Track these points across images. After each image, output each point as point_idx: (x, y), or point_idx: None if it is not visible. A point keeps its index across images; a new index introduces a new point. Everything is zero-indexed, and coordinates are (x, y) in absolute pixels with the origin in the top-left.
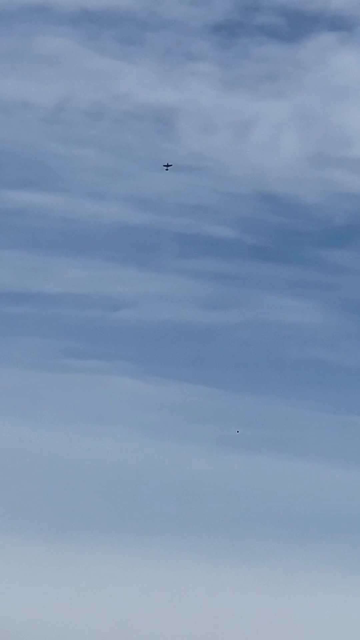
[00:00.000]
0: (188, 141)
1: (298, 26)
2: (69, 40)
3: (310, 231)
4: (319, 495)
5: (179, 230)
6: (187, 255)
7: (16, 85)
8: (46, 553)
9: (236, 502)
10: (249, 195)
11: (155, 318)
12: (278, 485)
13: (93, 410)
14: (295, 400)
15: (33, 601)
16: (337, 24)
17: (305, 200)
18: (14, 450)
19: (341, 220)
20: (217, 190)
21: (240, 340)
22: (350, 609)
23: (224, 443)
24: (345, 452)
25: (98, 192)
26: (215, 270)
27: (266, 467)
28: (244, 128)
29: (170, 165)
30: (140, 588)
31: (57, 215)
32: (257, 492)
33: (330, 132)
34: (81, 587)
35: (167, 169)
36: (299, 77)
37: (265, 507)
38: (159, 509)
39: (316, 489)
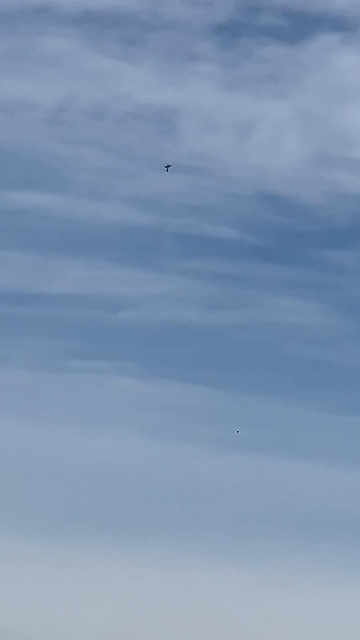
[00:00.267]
0: (190, 141)
1: (300, 27)
2: (70, 41)
3: (312, 232)
4: (321, 496)
5: (181, 231)
6: (189, 255)
7: (17, 85)
8: (46, 553)
9: (237, 503)
10: (251, 196)
11: (157, 318)
12: (279, 486)
13: (94, 411)
14: (296, 401)
15: (33, 601)
16: (340, 24)
17: (307, 201)
18: (15, 451)
19: (343, 220)
20: (219, 190)
21: (241, 340)
22: (351, 610)
23: (225, 443)
24: (346, 452)
25: (99, 192)
26: (216, 270)
27: (267, 468)
28: (246, 128)
29: (170, 166)
30: (140, 588)
31: (59, 216)
32: (258, 492)
33: (333, 132)
34: (81, 587)
35: (167, 170)
36: (301, 78)
37: (266, 507)
38: (160, 509)
39: (317, 490)
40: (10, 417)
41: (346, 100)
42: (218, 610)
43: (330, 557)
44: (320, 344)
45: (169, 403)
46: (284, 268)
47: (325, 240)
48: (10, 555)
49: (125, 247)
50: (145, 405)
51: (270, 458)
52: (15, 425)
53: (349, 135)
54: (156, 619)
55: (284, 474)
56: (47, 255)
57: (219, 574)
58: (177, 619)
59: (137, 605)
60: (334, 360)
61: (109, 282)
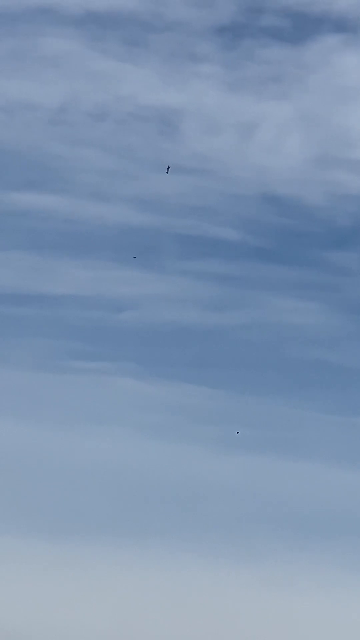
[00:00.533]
0: (191, 142)
1: (302, 28)
2: (72, 42)
3: (314, 233)
4: (322, 496)
5: (182, 232)
6: (190, 256)
7: (19, 86)
8: (47, 553)
9: (238, 503)
10: (253, 197)
11: (158, 319)
12: (280, 487)
13: (95, 411)
14: (297, 402)
15: (33, 602)
16: (342, 25)
17: (309, 202)
18: (17, 451)
19: (345, 221)
20: (221, 191)
21: (243, 341)
22: (352, 610)
23: (226, 444)
24: (347, 453)
25: (101, 193)
26: (218, 271)
27: (268, 468)
28: (248, 130)
29: (170, 167)
30: (141, 589)
31: (60, 217)
32: (259, 493)
33: (335, 133)
34: (82, 588)
35: (167, 172)
36: (303, 79)
37: (266, 508)
38: (160, 510)
39: (319, 490)
40: (12, 417)
41: (348, 102)
42: (218, 610)
43: (331, 558)
44: (321, 345)
45: (171, 404)
46: (285, 269)
47: (327, 241)
48: (11, 555)
49: (126, 248)
50: (147, 406)
51: (271, 458)
52: (17, 425)
53: (352, 136)
54: (157, 619)
55: (285, 475)
56: (49, 256)
57: (219, 575)
58: (177, 619)
59: (137, 606)
60: (336, 361)
61: (110, 283)
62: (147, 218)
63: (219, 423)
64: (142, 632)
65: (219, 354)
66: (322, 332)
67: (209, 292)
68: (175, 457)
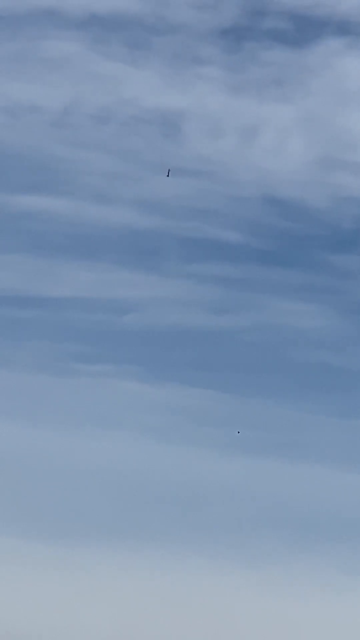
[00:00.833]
0: (195, 145)
1: (305, 31)
2: (76, 44)
3: (318, 235)
4: (325, 500)
5: (186, 234)
6: (194, 259)
7: (23, 88)
8: (50, 556)
9: (241, 506)
10: (256, 199)
11: (162, 322)
12: (283, 490)
13: (99, 414)
14: (301, 404)
15: (35, 604)
16: (345, 29)
17: (312, 205)
18: (20, 454)
19: (349, 224)
20: (224, 194)
21: (246, 344)
22: (355, 614)
23: (230, 447)
24: (351, 456)
25: (104, 195)
26: (222, 274)
27: (272, 472)
28: (251, 132)
29: (170, 171)
30: (143, 592)
31: (64, 219)
32: (263, 496)
33: (338, 136)
34: (83, 590)
35: (168, 175)
36: (306, 82)
37: (270, 511)
38: (163, 513)
39: (322, 494)
40: (14, 419)
41: (351, 104)
42: (220, 613)
43: (333, 561)
44: (325, 348)
45: (174, 406)
46: (289, 272)
47: (330, 244)
48: (15, 557)
49: (130, 251)
50: (150, 409)
51: (275, 461)
52: (19, 428)
53: (354, 138)
54: (158, 622)
55: (288, 478)
56: (52, 258)
57: (221, 577)
58: (178, 621)
59: (138, 608)
60: (340, 364)
61: (114, 286)
62: (150, 220)
63: (222, 426)
64: (142, 634)
65: (222, 356)
66: (325, 335)
67: (212, 294)
68: (178, 460)
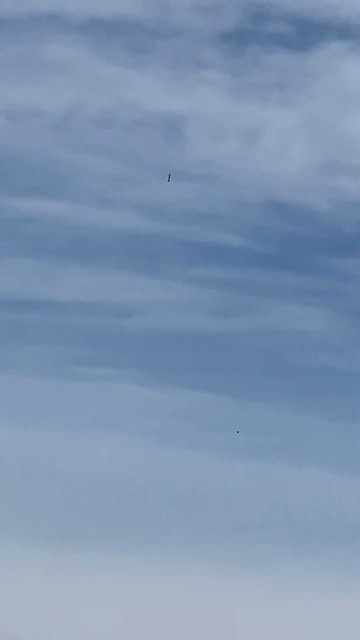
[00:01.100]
0: (197, 149)
1: (308, 35)
2: (77, 48)
3: (320, 239)
4: (327, 503)
5: (188, 238)
6: (196, 263)
7: (25, 92)
8: (52, 560)
9: (244, 510)
10: (258, 203)
11: (164, 326)
12: (285, 493)
13: (100, 418)
14: (303, 408)
15: (35, 607)
16: (347, 32)
17: (314, 208)
18: (21, 457)
19: (351, 228)
20: (226, 197)
21: (248, 347)
22: (356, 617)
23: (231, 450)
24: (352, 459)
25: (107, 199)
26: (224, 278)
27: (274, 475)
28: (253, 136)
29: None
30: (144, 595)
31: (66, 223)
32: (265, 499)
33: (340, 140)
34: (85, 594)
35: (168, 180)
36: (308, 86)
37: (272, 514)
38: (165, 516)
39: (324, 497)
40: (16, 423)
41: (353, 108)
42: (221, 617)
43: (334, 564)
44: (327, 352)
45: (175, 410)
46: (291, 275)
47: (332, 247)
48: (16, 561)
49: (132, 254)
50: (152, 413)
51: (276, 465)
52: (21, 431)
53: (356, 142)
54: (158, 625)
55: (290, 481)
56: (53, 262)
57: (222, 581)
58: (179, 625)
59: (139, 612)
60: (342, 367)
61: (115, 289)
62: (152, 224)
63: (224, 429)
64: (143, 637)
65: (224, 360)
66: (327, 339)
67: (214, 298)
68: (179, 464)
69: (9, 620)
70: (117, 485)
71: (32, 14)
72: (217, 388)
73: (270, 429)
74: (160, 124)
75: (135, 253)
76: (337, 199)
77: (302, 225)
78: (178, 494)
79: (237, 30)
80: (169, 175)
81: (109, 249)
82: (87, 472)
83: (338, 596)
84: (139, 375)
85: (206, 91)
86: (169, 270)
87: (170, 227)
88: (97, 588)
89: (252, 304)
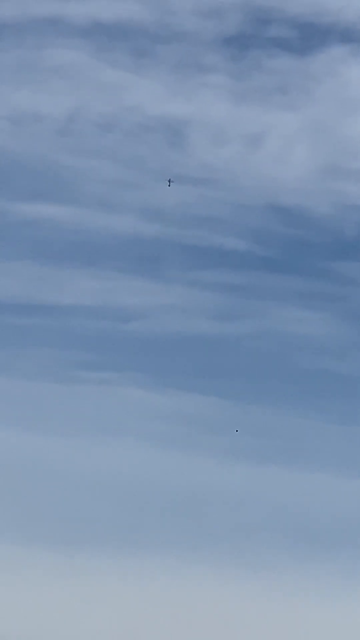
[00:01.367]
0: (199, 153)
1: (310, 39)
2: (80, 52)
3: (321, 243)
4: (329, 507)
5: (190, 242)
6: (198, 266)
7: (27, 97)
8: (54, 563)
9: (244, 513)
10: (260, 207)
11: (166, 329)
12: (286, 496)
13: (103, 421)
14: (304, 412)
15: (36, 611)
16: (349, 36)
17: (316, 212)
18: (24, 461)
19: (352, 232)
20: (228, 202)
21: (250, 351)
22: (357, 620)
23: (233, 454)
24: (353, 463)
25: (109, 203)
26: (225, 281)
27: (274, 478)
28: (255, 140)
29: (172, 181)
30: (145, 598)
31: (68, 227)
32: (266, 503)
33: (342, 144)
34: (85, 597)
35: (169, 185)
36: (310, 90)
37: (272, 517)
38: (166, 519)
39: (324, 500)
40: (18, 427)
41: (355, 112)
42: (222, 620)
43: (335, 567)
44: (328, 355)
45: (177, 413)
46: (292, 279)
47: (334, 251)
48: (18, 564)
49: (134, 258)
50: (153, 416)
51: (277, 468)
52: (24, 435)
53: (358, 146)
54: (159, 629)
55: (291, 484)
56: (56, 266)
57: (223, 584)
58: (180, 628)
59: (140, 615)
60: (343, 371)
61: (118, 293)
62: (154, 228)
63: (225, 433)
64: None
65: (226, 363)
66: (328, 342)
67: (216, 302)
68: (181, 467)
69: (10, 623)
70: (119, 488)
71: (34, 18)
72: (218, 391)
73: (272, 432)
74: (162, 128)
75: (137, 257)
76: (339, 203)
77: (304, 229)
78: (179, 497)
79: (239, 34)
80: (169, 180)
81: (111, 252)
82: (88, 475)
83: (338, 599)
84: (140, 379)
85: (208, 95)
86: (171, 273)
87: (172, 230)
88: (99, 591)
89: (253, 307)
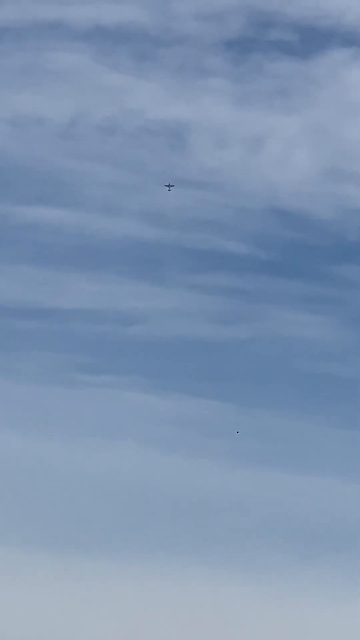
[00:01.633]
0: (201, 156)
1: (311, 42)
2: (82, 56)
3: (323, 246)
4: (330, 510)
5: (192, 246)
6: (200, 270)
7: (30, 100)
8: (56, 566)
9: (245, 516)
10: (262, 211)
11: (167, 333)
12: (287, 499)
13: (105, 425)
14: (306, 415)
15: (37, 613)
16: (350, 40)
17: (317, 216)
18: (25, 464)
19: (353, 235)
20: (230, 205)
21: (251, 354)
22: (356, 622)
23: (234, 457)
24: (354, 466)
25: (110, 207)
26: (227, 285)
27: (277, 482)
28: (257, 143)
29: (173, 186)
30: (145, 601)
31: (70, 231)
32: (267, 506)
33: (343, 147)
34: (86, 600)
35: (169, 190)
36: (311, 93)
37: (273, 520)
38: (167, 523)
39: (325, 504)
40: (20, 430)
41: (357, 115)
42: (223, 622)
43: (336, 571)
44: (329, 358)
45: (179, 416)
46: (294, 282)
47: (335, 254)
48: (19, 566)
49: (135, 262)
50: (155, 419)
51: (279, 472)
52: (24, 438)
53: None
54: (160, 631)
55: (292, 488)
56: (57, 270)
57: (224, 587)
58: (181, 631)
59: (141, 618)
60: (344, 374)
61: (119, 297)
62: (156, 232)
63: (226, 436)
64: None
65: (227, 367)
66: (329, 346)
67: (218, 305)
68: (182, 470)
69: (12, 624)
70: (120, 491)
71: (36, 22)
72: (219, 395)
73: (273, 435)
74: (163, 132)
75: (138, 260)
76: (341, 206)
77: (305, 233)
78: (181, 500)
79: (241, 38)
80: (169, 185)
81: (113, 256)
82: (89, 478)
83: (338, 601)
84: (142, 382)
85: (209, 99)
86: (172, 277)
87: (174, 234)
88: (100, 593)
89: (254, 311)
